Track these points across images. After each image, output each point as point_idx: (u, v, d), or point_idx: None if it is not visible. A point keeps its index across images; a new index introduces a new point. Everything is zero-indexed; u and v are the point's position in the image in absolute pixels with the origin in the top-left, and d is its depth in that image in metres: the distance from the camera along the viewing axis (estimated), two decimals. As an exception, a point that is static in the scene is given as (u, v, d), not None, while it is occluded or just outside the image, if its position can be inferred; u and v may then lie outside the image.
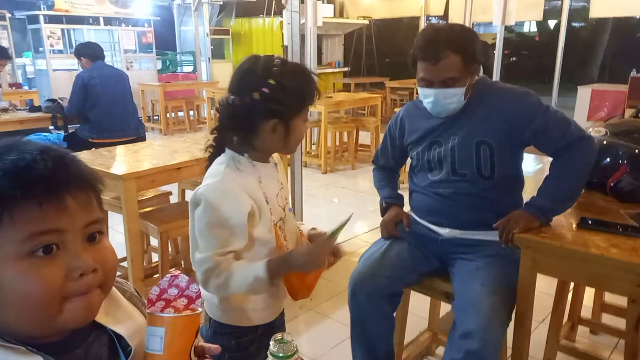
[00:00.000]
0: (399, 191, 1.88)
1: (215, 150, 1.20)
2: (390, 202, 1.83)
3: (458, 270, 1.59)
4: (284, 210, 1.24)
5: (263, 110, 1.10)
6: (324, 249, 1.13)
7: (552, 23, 13.22)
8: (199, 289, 0.68)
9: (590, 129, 1.85)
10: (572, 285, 2.00)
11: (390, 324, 1.63)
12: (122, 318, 0.72)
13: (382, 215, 1.83)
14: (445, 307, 2.08)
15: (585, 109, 6.40)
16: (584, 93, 6.57)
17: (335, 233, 1.12)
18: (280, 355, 0.67)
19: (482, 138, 1.56)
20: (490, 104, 1.57)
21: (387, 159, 1.87)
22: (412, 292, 1.74)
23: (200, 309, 0.67)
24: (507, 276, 1.49)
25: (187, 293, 0.66)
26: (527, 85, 1.67)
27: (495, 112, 1.56)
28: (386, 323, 1.62)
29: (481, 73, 1.66)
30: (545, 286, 1.96)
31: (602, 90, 6.57)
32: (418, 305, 1.96)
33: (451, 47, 1.49)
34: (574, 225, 1.48)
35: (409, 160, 1.83)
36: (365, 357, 1.66)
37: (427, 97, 1.58)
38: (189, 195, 1.46)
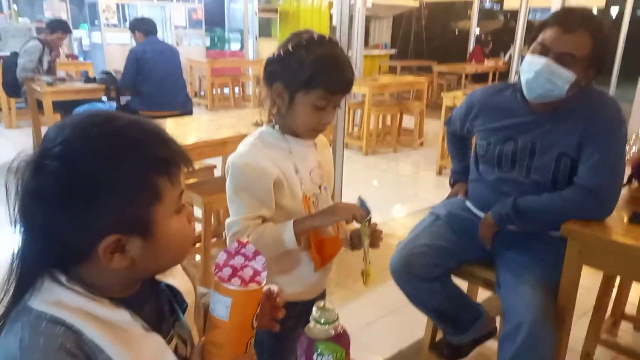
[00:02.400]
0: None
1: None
2: (457, 178, 1.87)
3: (508, 262, 1.54)
4: (319, 189, 1.24)
5: (276, 72, 1.12)
6: (343, 205, 1.16)
7: (614, 11, 12.50)
8: (265, 262, 0.69)
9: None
10: (617, 280, 1.94)
11: (446, 291, 1.62)
12: (177, 277, 0.78)
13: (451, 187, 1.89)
14: (482, 295, 2.07)
15: (645, 102, 6.05)
16: (645, 85, 6.20)
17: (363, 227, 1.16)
18: (322, 321, 0.70)
19: (565, 151, 1.48)
20: (582, 116, 1.47)
21: (457, 127, 1.81)
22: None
23: (265, 282, 0.69)
24: (556, 271, 1.45)
25: (253, 264, 0.69)
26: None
27: (583, 125, 1.46)
28: (441, 294, 1.61)
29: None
30: (588, 281, 1.90)
31: (666, 82, 6.17)
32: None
33: (590, 27, 1.40)
34: (626, 219, 1.43)
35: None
36: (443, 322, 1.71)
37: (532, 65, 1.45)
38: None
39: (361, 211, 1.14)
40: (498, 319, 1.76)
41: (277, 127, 1.18)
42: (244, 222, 1.12)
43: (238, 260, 0.68)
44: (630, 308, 2.19)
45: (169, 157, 0.67)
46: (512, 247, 1.56)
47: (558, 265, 1.44)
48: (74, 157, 0.60)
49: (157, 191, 0.64)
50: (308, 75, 1.08)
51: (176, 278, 0.78)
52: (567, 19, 1.43)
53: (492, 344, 1.80)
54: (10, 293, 0.64)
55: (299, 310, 1.23)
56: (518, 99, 1.56)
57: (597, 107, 1.48)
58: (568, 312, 1.46)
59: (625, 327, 2.17)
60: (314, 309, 0.71)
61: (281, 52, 1.12)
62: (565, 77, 1.41)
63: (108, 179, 0.61)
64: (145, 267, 0.68)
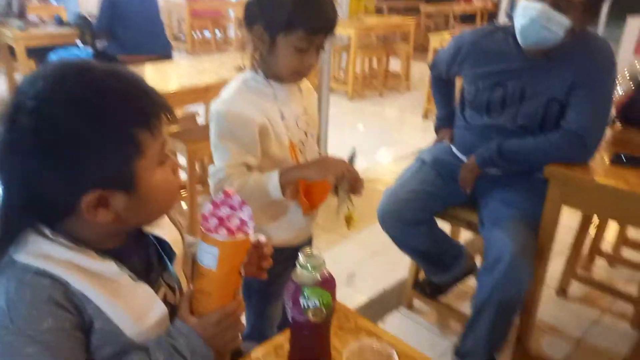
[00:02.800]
0: None
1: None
2: (442, 124, 1.85)
3: (491, 200, 1.57)
4: (306, 135, 1.23)
5: (256, 13, 1.09)
6: (334, 161, 1.14)
7: (607, -56, 12.12)
8: (251, 212, 0.69)
9: (637, 63, 1.76)
10: (595, 218, 2.00)
11: (431, 234, 1.65)
12: (164, 228, 0.78)
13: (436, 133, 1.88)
14: (464, 236, 2.12)
15: (633, 41, 6.01)
16: (633, 24, 6.13)
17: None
18: (309, 267, 0.71)
19: (556, 95, 1.46)
20: (574, 61, 1.44)
21: (442, 71, 1.77)
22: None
23: (251, 232, 0.69)
24: (537, 209, 1.49)
25: (240, 214, 0.69)
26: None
27: (574, 71, 1.44)
28: (427, 237, 1.65)
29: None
30: (567, 220, 1.96)
31: (654, 21, 6.12)
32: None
33: None
34: (607, 160, 1.45)
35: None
36: (426, 263, 1.75)
37: (527, 10, 1.40)
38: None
39: (352, 170, 1.13)
40: (478, 258, 1.83)
41: (260, 71, 1.15)
42: (228, 170, 1.11)
43: (224, 211, 0.68)
44: (606, 246, 2.27)
45: (149, 109, 0.65)
46: (495, 186, 1.59)
47: (539, 203, 1.48)
48: (49, 111, 0.59)
49: (138, 144, 0.63)
50: (287, 16, 1.05)
51: (164, 229, 0.78)
52: None
53: (471, 281, 1.88)
54: None
55: (287, 255, 1.24)
56: (510, 43, 1.52)
57: (590, 52, 1.45)
58: (546, 248, 1.51)
59: (600, 263, 2.26)
60: (300, 255, 0.72)
61: None
62: (561, 23, 1.36)
63: (86, 134, 0.59)
64: (131, 220, 0.68)
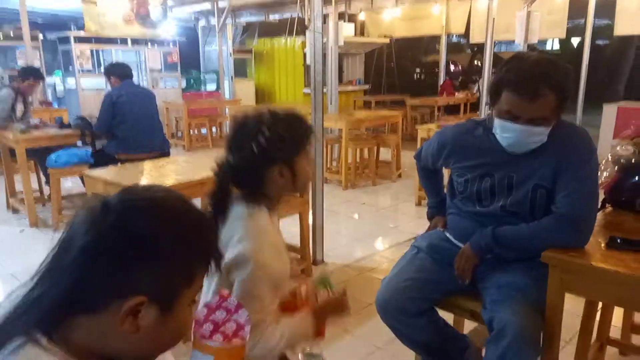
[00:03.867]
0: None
1: (220, 208, 1.19)
2: (434, 212, 1.89)
3: (492, 283, 1.54)
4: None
5: (265, 158, 1.16)
6: (343, 299, 1.25)
7: (575, 41, 13.09)
8: (248, 315, 0.69)
9: (618, 147, 1.82)
10: (600, 304, 1.95)
11: (432, 324, 1.61)
12: None
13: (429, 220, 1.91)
14: (468, 326, 2.05)
15: (612, 126, 6.30)
16: (609, 111, 6.47)
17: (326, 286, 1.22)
18: (309, 366, 0.68)
19: (541, 182, 1.50)
20: (555, 148, 1.49)
21: (429, 163, 1.83)
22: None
23: (247, 336, 0.68)
24: (539, 286, 1.46)
25: (236, 318, 0.67)
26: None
27: (556, 156, 1.48)
28: (428, 328, 1.60)
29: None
30: (573, 306, 1.91)
31: (629, 107, 6.46)
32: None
33: (549, 85, 1.38)
34: (603, 245, 1.45)
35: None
36: (431, 358, 1.68)
37: (507, 131, 1.46)
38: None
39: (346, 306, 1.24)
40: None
41: (263, 207, 1.20)
42: (265, 317, 1.10)
43: (220, 315, 0.66)
44: (615, 332, 2.19)
45: (212, 252, 0.71)
46: (494, 270, 1.57)
47: (541, 283, 1.45)
48: (141, 210, 0.66)
49: (192, 277, 0.67)
50: (297, 141, 1.20)
51: None
52: (526, 87, 1.39)
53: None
54: None
55: None
56: (491, 140, 1.56)
57: (569, 138, 1.51)
58: (555, 337, 1.46)
59: (611, 351, 2.17)
60: (301, 354, 0.69)
61: (257, 143, 1.15)
62: (542, 133, 1.45)
63: (166, 244, 0.65)
64: (139, 343, 0.66)
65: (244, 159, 1.16)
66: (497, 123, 1.49)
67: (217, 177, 1.18)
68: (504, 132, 1.49)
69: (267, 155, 1.15)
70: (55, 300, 0.63)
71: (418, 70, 14.99)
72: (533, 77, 1.39)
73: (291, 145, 1.18)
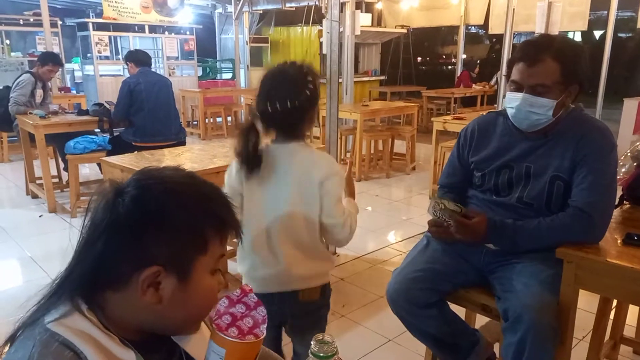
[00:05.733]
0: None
1: (255, 153, 1.41)
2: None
3: (503, 273, 1.54)
4: None
5: (311, 101, 1.41)
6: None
7: (597, 34, 12.81)
8: (266, 313, 0.69)
9: (638, 143, 1.79)
10: (614, 302, 1.94)
11: (443, 316, 1.60)
12: (199, 346, 0.77)
13: None
14: (479, 323, 2.05)
15: (632, 122, 6.17)
16: (630, 105, 6.33)
17: None
18: (321, 355, 0.69)
19: (559, 173, 1.50)
20: (574, 139, 1.49)
21: (453, 178, 1.78)
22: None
23: (263, 334, 0.68)
24: (552, 269, 1.45)
25: (254, 314, 0.68)
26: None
27: (574, 148, 1.48)
28: (438, 320, 1.59)
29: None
30: (587, 303, 1.90)
31: (650, 102, 6.31)
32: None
33: (551, 53, 1.43)
34: (619, 241, 1.44)
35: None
36: (441, 350, 1.67)
37: (510, 102, 1.52)
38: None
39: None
40: (497, 346, 1.75)
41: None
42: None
43: (239, 309, 0.67)
44: (629, 331, 2.17)
45: (227, 220, 0.73)
46: (505, 259, 1.56)
47: (554, 267, 1.43)
48: (150, 188, 0.69)
49: (206, 242, 0.69)
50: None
51: (192, 339, 0.77)
52: (527, 52, 1.47)
53: (492, 371, 1.78)
54: (31, 310, 0.67)
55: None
56: (510, 127, 1.60)
57: (590, 131, 1.50)
58: (568, 334, 1.45)
59: (624, 350, 2.15)
60: (313, 342, 0.70)
61: (310, 89, 1.40)
62: (545, 105, 1.46)
63: (173, 215, 0.67)
64: (166, 314, 0.69)
65: (300, 102, 1.37)
66: (506, 96, 1.55)
67: (249, 129, 1.40)
68: (509, 104, 1.54)
69: (313, 99, 1.40)
70: (82, 275, 0.67)
71: (435, 61, 14.82)
72: (536, 44, 1.49)
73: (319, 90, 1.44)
